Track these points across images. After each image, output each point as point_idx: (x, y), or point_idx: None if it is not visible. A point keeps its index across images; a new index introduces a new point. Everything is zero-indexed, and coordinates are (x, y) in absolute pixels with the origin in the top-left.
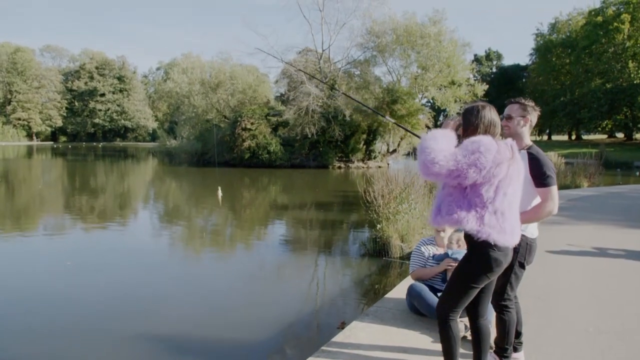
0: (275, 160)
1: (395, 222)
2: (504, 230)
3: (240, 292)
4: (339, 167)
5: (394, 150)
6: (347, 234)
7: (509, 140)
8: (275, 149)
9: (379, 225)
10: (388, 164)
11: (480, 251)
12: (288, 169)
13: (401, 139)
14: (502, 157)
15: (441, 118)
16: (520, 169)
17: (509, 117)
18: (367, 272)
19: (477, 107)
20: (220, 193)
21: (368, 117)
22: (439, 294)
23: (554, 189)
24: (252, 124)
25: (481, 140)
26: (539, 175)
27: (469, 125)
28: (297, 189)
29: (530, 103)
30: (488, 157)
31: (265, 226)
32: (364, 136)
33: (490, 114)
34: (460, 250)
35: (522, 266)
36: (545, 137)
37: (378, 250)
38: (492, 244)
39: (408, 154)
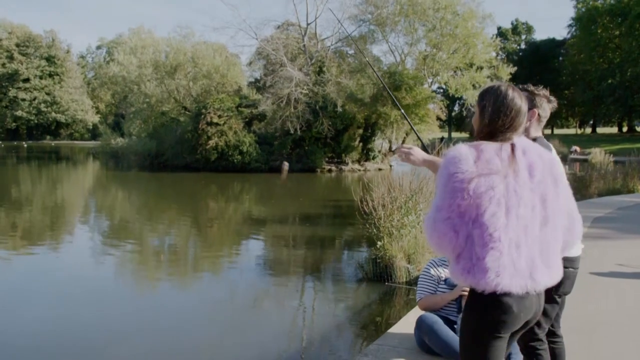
0: (249, 163)
1: (400, 239)
2: (517, 270)
3: (207, 328)
4: (329, 171)
5: (398, 148)
6: (339, 253)
7: (505, 144)
8: (249, 148)
9: (379, 243)
10: (390, 166)
11: (481, 300)
12: (265, 173)
13: (406, 134)
14: (490, 168)
15: (456, 108)
16: (535, 178)
17: None
18: (365, 300)
19: (494, 89)
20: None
21: (365, 107)
22: (457, 327)
23: None
24: (219, 117)
25: (448, 152)
26: None
27: (481, 115)
28: (278, 198)
29: (544, 92)
30: (462, 168)
31: (237, 245)
32: (360, 131)
33: (514, 99)
34: None
35: (553, 300)
36: (588, 130)
37: (379, 273)
38: (498, 292)
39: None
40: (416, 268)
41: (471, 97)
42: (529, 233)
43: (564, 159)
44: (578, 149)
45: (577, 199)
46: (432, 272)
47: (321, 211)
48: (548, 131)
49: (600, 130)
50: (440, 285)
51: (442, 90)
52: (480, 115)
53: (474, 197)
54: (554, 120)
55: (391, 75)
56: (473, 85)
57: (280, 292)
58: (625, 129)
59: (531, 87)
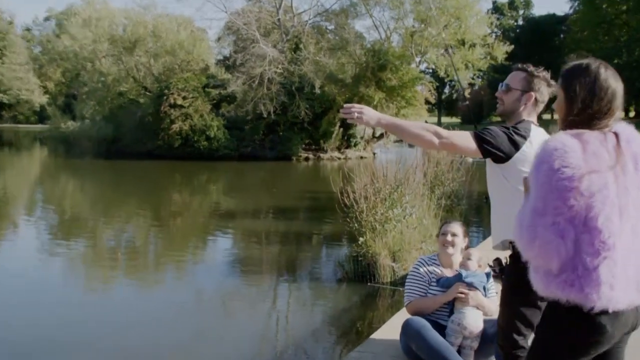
0: (217, 150)
1: (384, 234)
2: (628, 282)
3: (170, 335)
4: (307, 159)
5: (382, 135)
6: (317, 250)
7: (609, 133)
8: (217, 133)
9: (361, 239)
10: (374, 154)
11: (570, 317)
12: (236, 161)
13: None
14: (598, 164)
15: (446, 90)
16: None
17: (507, 87)
18: (345, 303)
19: (582, 68)
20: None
21: (346, 88)
22: (448, 331)
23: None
24: (184, 98)
25: (546, 143)
26: None
27: (568, 100)
28: (249, 190)
29: (544, 74)
30: (571, 162)
31: (204, 242)
32: (341, 115)
33: (608, 79)
34: (477, 273)
35: (536, 306)
36: None
37: (360, 272)
38: (611, 309)
39: (402, 140)
40: (402, 267)
41: (463, 78)
42: (637, 237)
43: None
44: None
45: None
46: (422, 271)
47: (297, 204)
48: (547, 116)
49: None
50: (431, 287)
51: (431, 71)
52: (567, 100)
53: (587, 198)
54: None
55: (375, 54)
56: (465, 65)
57: (251, 293)
58: (632, 113)
59: (531, 68)
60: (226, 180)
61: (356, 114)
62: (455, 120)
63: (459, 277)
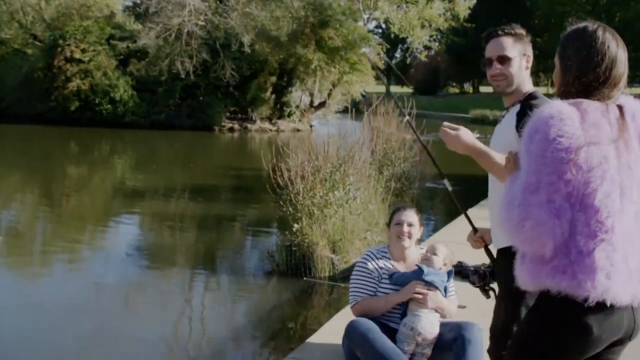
0: (123, 116)
1: (323, 221)
2: (630, 273)
3: (61, 338)
4: (231, 129)
5: (322, 104)
6: (242, 238)
7: (611, 105)
8: (123, 96)
9: (296, 226)
10: (311, 126)
11: (556, 312)
12: (146, 130)
13: (333, 85)
14: (598, 135)
15: (397, 54)
16: None
17: (504, 59)
18: (275, 300)
19: (579, 31)
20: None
21: (281, 48)
22: (399, 336)
23: None
24: (83, 51)
25: (540, 111)
26: None
27: (564, 68)
28: (161, 164)
29: (523, 30)
30: (567, 131)
31: (104, 226)
32: (273, 80)
33: (607, 42)
34: (440, 272)
35: (524, 304)
36: None
37: (294, 265)
38: (609, 302)
39: (344, 110)
40: (343, 259)
41: (418, 39)
42: None
43: None
44: None
45: None
46: (371, 266)
47: (219, 182)
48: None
49: None
50: (382, 284)
51: (381, 30)
52: (562, 67)
53: (584, 172)
54: None
55: (316, 7)
56: (421, 24)
57: (160, 289)
58: None
59: (516, 29)
60: (134, 152)
61: (448, 135)
62: (407, 90)
63: (418, 274)
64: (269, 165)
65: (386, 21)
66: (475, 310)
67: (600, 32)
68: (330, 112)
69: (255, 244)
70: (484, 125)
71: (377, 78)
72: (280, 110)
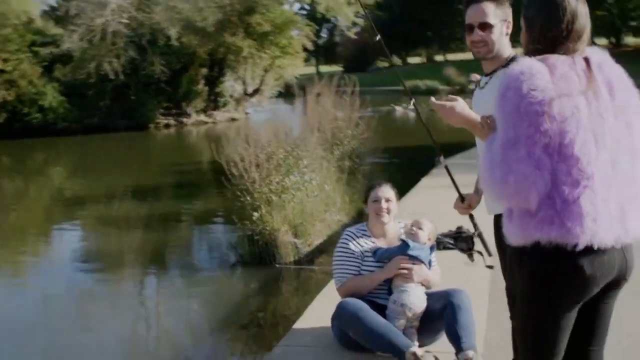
0: (55, 123)
1: (283, 207)
2: (611, 216)
3: (7, 352)
4: (167, 126)
5: (256, 91)
6: (197, 234)
7: (577, 57)
8: (53, 102)
9: (255, 214)
10: (247, 114)
11: (547, 261)
12: (80, 135)
13: (265, 71)
14: (568, 87)
15: (324, 33)
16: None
17: (485, 26)
18: (246, 291)
19: None
20: None
21: (209, 38)
22: (388, 312)
23: None
24: (5, 61)
25: (511, 69)
26: None
27: (528, 29)
28: (99, 169)
29: None
30: (539, 85)
31: (46, 235)
32: (204, 71)
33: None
34: (425, 246)
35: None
36: None
37: (258, 254)
38: (596, 245)
39: (279, 95)
40: (306, 242)
41: (345, 17)
42: (617, 169)
43: (462, 91)
44: (478, 76)
45: None
46: (352, 246)
47: (161, 180)
48: (440, 57)
49: None
50: (365, 263)
51: (306, 12)
52: (527, 29)
53: (559, 123)
54: (447, 42)
55: None
56: (348, 3)
57: (112, 294)
58: None
59: None
60: (69, 159)
61: (446, 109)
62: (337, 68)
63: (404, 248)
64: (222, 156)
65: (312, 2)
66: (461, 276)
67: None
68: (265, 99)
69: (213, 238)
70: (417, 96)
71: (306, 60)
72: (214, 101)
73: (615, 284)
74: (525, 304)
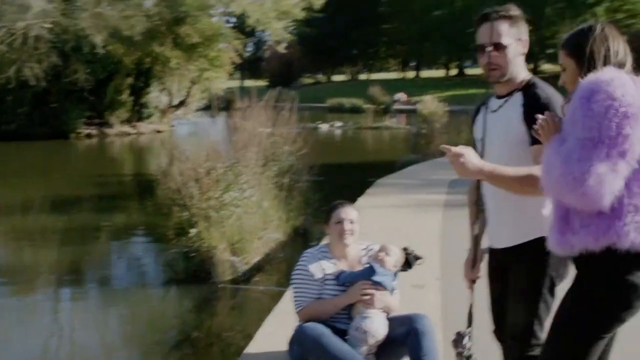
0: None
1: (221, 223)
2: None
3: None
4: (89, 135)
5: (182, 103)
6: (121, 248)
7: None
8: None
9: (193, 230)
10: (172, 127)
11: (614, 274)
12: None
13: (193, 83)
14: None
15: (249, 47)
16: None
17: (499, 46)
18: (175, 311)
19: (588, 30)
20: None
21: (136, 47)
22: (349, 337)
23: None
24: None
25: (599, 77)
26: None
27: (581, 63)
28: (14, 179)
29: (518, 10)
30: (629, 91)
31: None
32: (130, 81)
33: (615, 40)
34: (389, 273)
35: (553, 285)
36: (412, 74)
37: (193, 271)
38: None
39: (205, 108)
40: (244, 260)
41: (275, 32)
42: None
43: (386, 110)
44: (404, 96)
45: (420, 159)
46: (312, 268)
47: (82, 192)
48: (364, 76)
49: (424, 73)
50: (327, 286)
51: (236, 24)
52: (579, 63)
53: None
54: (371, 62)
55: (169, 4)
56: (277, 16)
57: (23, 311)
58: (454, 71)
59: (510, 11)
60: None
61: (455, 160)
62: (262, 83)
63: (369, 273)
64: (156, 169)
65: (242, 14)
66: (421, 301)
67: (607, 27)
68: (191, 111)
69: (139, 254)
70: (341, 114)
71: (231, 73)
72: (139, 112)
73: None
74: (595, 304)
